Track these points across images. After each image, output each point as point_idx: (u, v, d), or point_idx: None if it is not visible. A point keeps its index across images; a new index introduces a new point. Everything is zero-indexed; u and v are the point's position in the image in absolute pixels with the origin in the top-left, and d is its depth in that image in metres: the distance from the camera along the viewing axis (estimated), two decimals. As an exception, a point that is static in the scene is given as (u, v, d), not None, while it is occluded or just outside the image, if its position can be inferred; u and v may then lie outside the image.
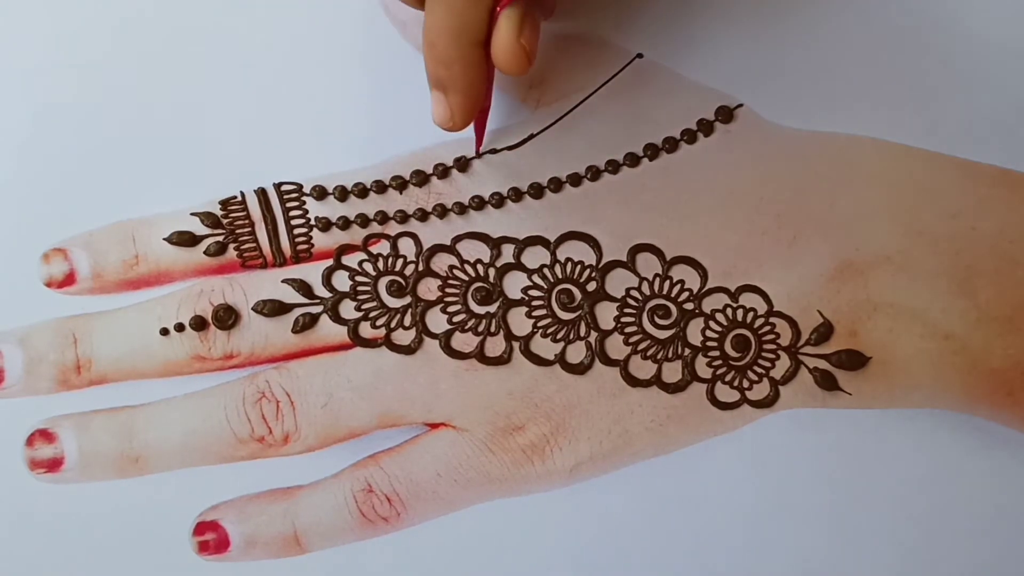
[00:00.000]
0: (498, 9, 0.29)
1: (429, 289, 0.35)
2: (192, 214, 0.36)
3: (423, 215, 0.36)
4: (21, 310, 0.36)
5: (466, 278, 0.35)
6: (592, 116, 0.36)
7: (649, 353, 0.35)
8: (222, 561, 0.35)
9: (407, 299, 0.35)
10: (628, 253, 0.35)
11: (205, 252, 0.36)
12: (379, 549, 0.35)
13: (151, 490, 0.36)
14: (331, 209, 0.36)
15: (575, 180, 0.36)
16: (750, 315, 0.35)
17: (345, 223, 0.36)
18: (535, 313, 0.35)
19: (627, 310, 0.35)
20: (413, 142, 0.36)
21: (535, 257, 0.35)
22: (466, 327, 0.35)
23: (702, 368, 0.35)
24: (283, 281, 0.35)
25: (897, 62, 0.37)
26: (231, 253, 0.36)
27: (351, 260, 0.36)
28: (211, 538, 0.35)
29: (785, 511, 0.36)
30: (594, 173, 0.36)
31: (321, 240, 0.36)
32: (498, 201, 0.36)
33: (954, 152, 0.36)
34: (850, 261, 0.35)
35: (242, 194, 0.36)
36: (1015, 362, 0.34)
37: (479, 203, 0.36)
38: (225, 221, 0.36)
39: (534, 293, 0.35)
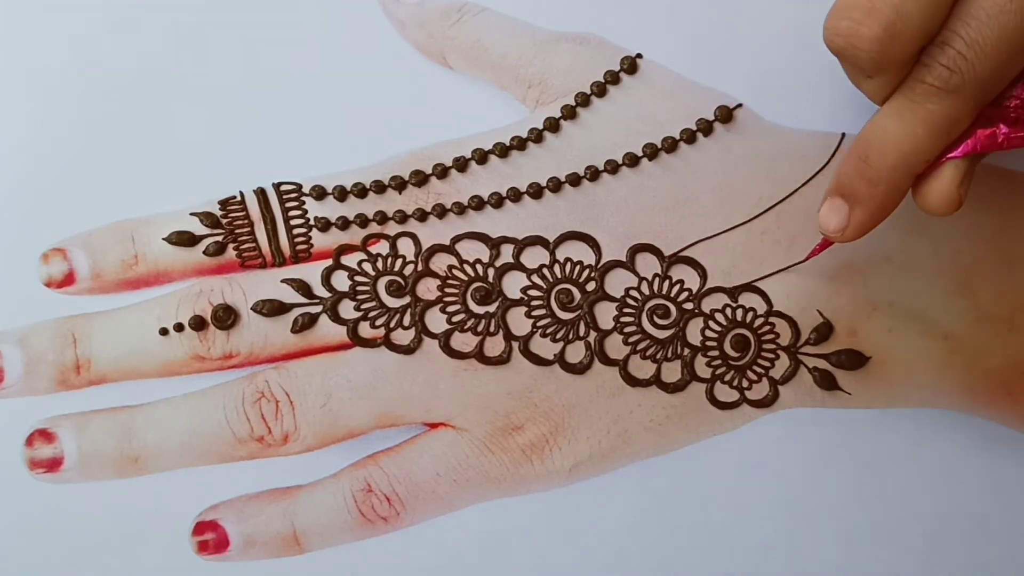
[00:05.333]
0: (947, 157, 0.28)
1: (428, 289, 0.35)
2: (191, 214, 0.36)
3: (422, 215, 0.36)
4: (21, 310, 0.36)
5: (465, 278, 0.35)
6: (591, 116, 0.36)
7: (648, 353, 0.35)
8: (221, 561, 0.35)
9: (406, 299, 0.35)
10: (627, 253, 0.35)
11: (204, 252, 0.36)
12: (378, 549, 0.36)
13: (150, 490, 0.36)
14: (330, 209, 0.36)
15: (574, 180, 0.36)
16: (749, 315, 0.35)
17: (344, 223, 0.36)
18: (534, 313, 0.35)
19: (626, 310, 0.35)
20: (412, 142, 0.36)
21: (534, 257, 0.35)
22: (465, 327, 0.35)
23: (701, 368, 0.35)
24: (282, 281, 0.35)
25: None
26: (230, 253, 0.36)
27: (350, 260, 0.36)
28: (210, 538, 0.35)
29: (784, 511, 0.36)
30: (593, 173, 0.36)
31: (320, 240, 0.36)
32: (497, 201, 0.36)
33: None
34: (849, 261, 0.35)
35: (241, 194, 0.36)
36: (1014, 362, 0.34)
37: (478, 203, 0.36)
38: (224, 221, 0.36)
39: (533, 293, 0.35)
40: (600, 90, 0.36)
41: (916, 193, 0.29)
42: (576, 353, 0.35)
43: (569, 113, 0.36)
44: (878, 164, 0.29)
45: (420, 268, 0.35)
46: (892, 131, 0.28)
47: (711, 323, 0.35)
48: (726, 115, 0.36)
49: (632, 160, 0.36)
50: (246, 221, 0.36)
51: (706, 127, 0.36)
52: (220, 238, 0.36)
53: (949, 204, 0.29)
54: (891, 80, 0.28)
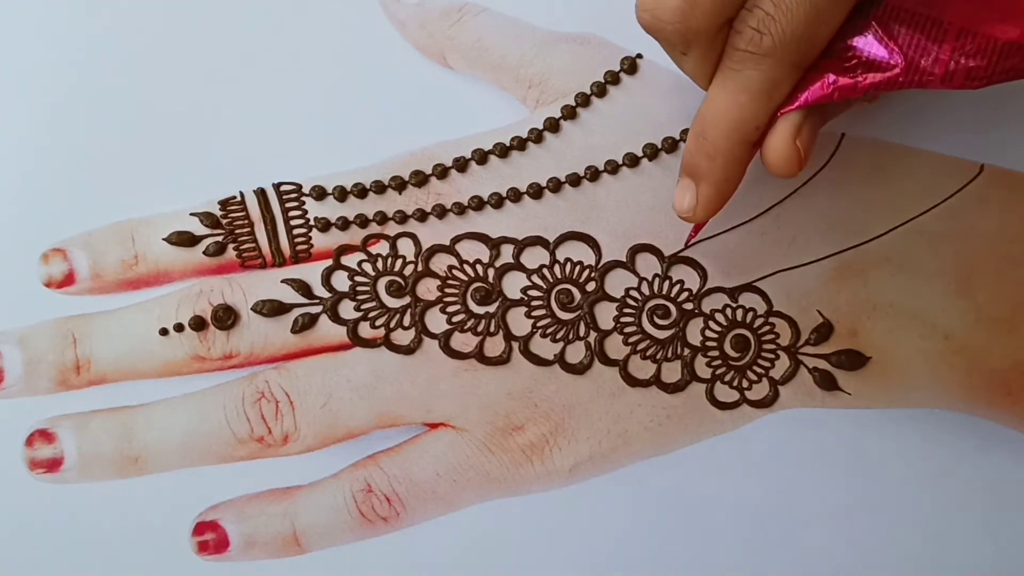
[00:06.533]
0: (780, 113, 0.28)
1: (428, 289, 0.35)
2: (191, 214, 0.36)
3: (422, 215, 0.36)
4: (21, 310, 0.36)
5: (465, 278, 0.35)
6: (592, 116, 0.36)
7: (648, 353, 0.35)
8: (222, 561, 0.35)
9: (406, 299, 0.35)
10: (627, 253, 0.35)
11: (204, 252, 0.36)
12: (379, 549, 0.36)
13: (151, 490, 0.36)
14: (330, 209, 0.36)
15: (574, 180, 0.36)
16: (749, 315, 0.35)
17: (344, 223, 0.36)
18: (534, 313, 0.35)
19: (626, 310, 0.35)
20: (412, 142, 0.36)
21: (534, 257, 0.35)
22: (465, 327, 0.35)
23: (701, 368, 0.35)
24: (282, 281, 0.35)
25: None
26: (230, 253, 0.36)
27: (350, 260, 0.36)
28: (211, 538, 0.35)
29: (784, 511, 0.36)
30: (593, 173, 0.36)
31: (320, 240, 0.36)
32: (497, 201, 0.36)
33: (954, 153, 0.36)
34: (849, 261, 0.35)
35: (241, 194, 0.36)
36: (1014, 362, 0.34)
37: (478, 203, 0.36)
38: (224, 221, 0.36)
39: (533, 293, 0.35)
40: (600, 90, 0.36)
41: (762, 156, 0.29)
42: (576, 353, 0.35)
43: (569, 113, 0.36)
44: (713, 136, 0.29)
45: (420, 268, 0.35)
46: (719, 102, 0.28)
47: (711, 323, 0.35)
48: (726, 115, 0.36)
49: (632, 160, 0.36)
50: (246, 221, 0.36)
51: (706, 127, 0.36)
52: (220, 238, 0.36)
53: (786, 160, 0.29)
54: (705, 54, 0.28)
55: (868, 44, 0.28)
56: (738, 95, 0.28)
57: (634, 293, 0.35)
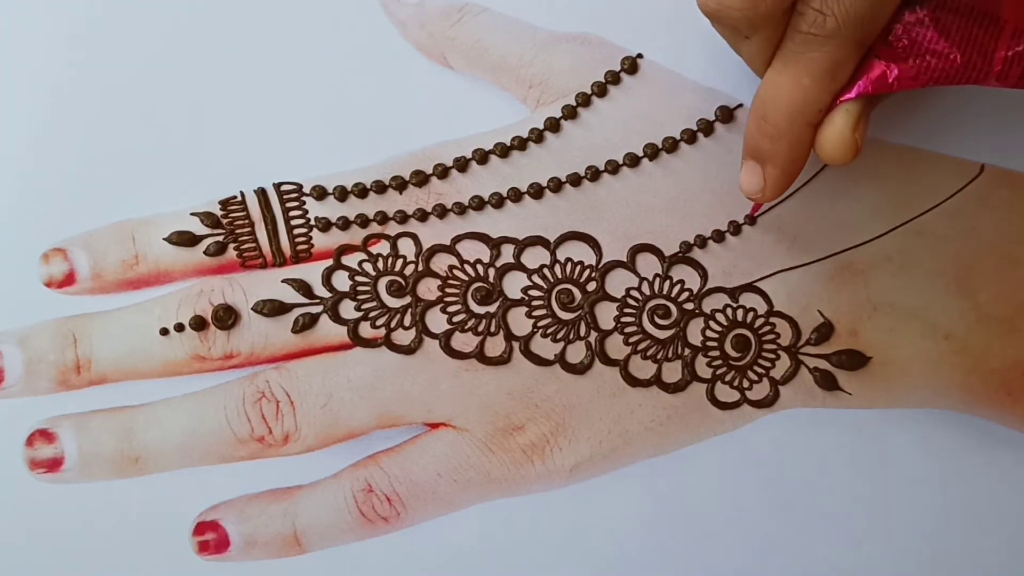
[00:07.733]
0: (839, 100, 0.28)
1: (429, 289, 0.35)
2: (192, 214, 0.36)
3: (423, 215, 0.36)
4: (21, 310, 0.36)
5: (466, 278, 0.35)
6: (592, 116, 0.36)
7: (649, 353, 0.35)
8: (222, 561, 0.35)
9: (407, 299, 0.35)
10: (628, 253, 0.35)
11: (205, 252, 0.36)
12: (379, 549, 0.36)
13: (151, 490, 0.36)
14: (331, 209, 0.36)
15: (575, 180, 0.36)
16: (750, 315, 0.35)
17: (345, 223, 0.36)
18: (535, 313, 0.35)
19: (627, 310, 0.35)
20: (413, 142, 0.36)
21: (535, 257, 0.35)
22: (466, 327, 0.35)
23: (702, 368, 0.35)
24: (283, 281, 0.35)
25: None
26: (231, 253, 0.36)
27: (351, 260, 0.36)
28: (211, 538, 0.35)
29: (785, 511, 0.36)
30: (594, 173, 0.36)
31: (321, 240, 0.36)
32: (498, 201, 0.36)
33: (954, 153, 0.36)
34: (850, 261, 0.35)
35: (242, 194, 0.36)
36: (1015, 362, 0.34)
37: (479, 203, 0.36)
38: (225, 221, 0.36)
39: (534, 293, 0.35)
40: (601, 90, 0.36)
41: (816, 144, 0.29)
42: (577, 353, 0.35)
43: (570, 113, 0.36)
44: (775, 119, 0.29)
45: (421, 268, 0.35)
46: (781, 85, 0.29)
47: (712, 323, 0.35)
48: (727, 115, 0.36)
49: (633, 160, 0.36)
50: (247, 221, 0.36)
51: (706, 127, 0.36)
52: (221, 238, 0.36)
53: (843, 149, 0.29)
54: (768, 37, 0.28)
55: (926, 37, 0.28)
56: (801, 78, 0.28)
57: (635, 293, 0.35)
